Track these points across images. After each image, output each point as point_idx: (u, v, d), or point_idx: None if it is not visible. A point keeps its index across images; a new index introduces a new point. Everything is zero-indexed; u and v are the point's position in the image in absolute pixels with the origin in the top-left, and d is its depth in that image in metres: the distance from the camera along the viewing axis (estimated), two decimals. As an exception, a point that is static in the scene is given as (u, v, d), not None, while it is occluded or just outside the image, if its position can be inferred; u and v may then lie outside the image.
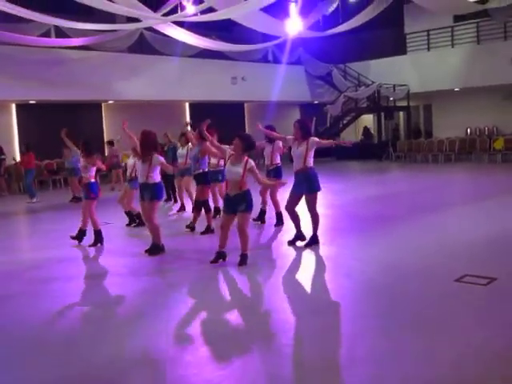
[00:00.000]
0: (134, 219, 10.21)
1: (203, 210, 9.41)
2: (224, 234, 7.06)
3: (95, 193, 8.65)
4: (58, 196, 16.25)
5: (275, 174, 9.63)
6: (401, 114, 26.81)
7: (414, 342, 4.47)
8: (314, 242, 7.95)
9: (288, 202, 7.96)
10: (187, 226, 9.62)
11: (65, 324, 5.40)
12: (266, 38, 20.49)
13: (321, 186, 7.92)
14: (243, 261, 7.00)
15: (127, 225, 10.38)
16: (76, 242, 8.82)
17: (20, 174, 16.74)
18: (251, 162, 6.87)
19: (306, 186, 7.76)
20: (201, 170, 9.34)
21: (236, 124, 22.43)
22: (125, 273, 7.21)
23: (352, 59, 25.38)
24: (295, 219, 8.01)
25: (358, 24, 18.91)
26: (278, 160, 9.70)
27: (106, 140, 18.81)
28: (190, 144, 10.85)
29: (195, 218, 9.54)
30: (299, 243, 8.02)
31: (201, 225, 9.47)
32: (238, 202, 6.84)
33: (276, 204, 9.70)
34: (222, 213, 7.39)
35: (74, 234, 8.88)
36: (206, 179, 9.39)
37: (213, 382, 3.94)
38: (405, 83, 23.85)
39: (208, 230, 9.23)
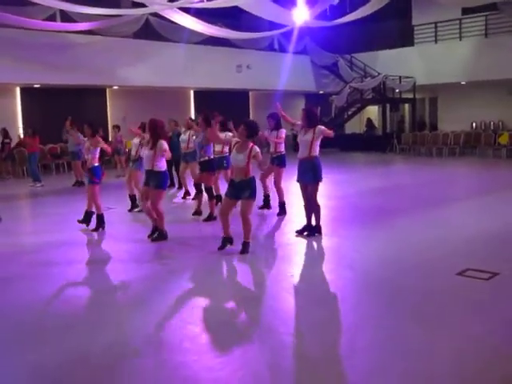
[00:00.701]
0: (137, 204, 10.20)
1: (207, 197, 9.39)
2: (225, 220, 7.04)
3: (98, 177, 8.64)
4: (61, 180, 16.25)
5: (279, 161, 9.59)
6: (406, 106, 26.70)
7: (414, 335, 4.46)
8: (316, 232, 7.94)
9: (303, 192, 7.92)
10: (194, 214, 9.60)
11: (64, 309, 5.39)
12: (273, 26, 20.36)
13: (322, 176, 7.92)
14: (245, 249, 6.99)
15: (129, 210, 10.37)
16: (83, 225, 8.81)
17: (24, 157, 16.75)
18: (256, 149, 6.86)
19: (311, 175, 7.73)
20: (206, 157, 9.30)
21: (240, 112, 22.33)
22: (126, 258, 7.21)
23: (359, 50, 25.23)
24: (309, 210, 7.98)
25: (365, 14, 18.77)
26: (282, 148, 9.65)
27: (112, 124, 18.75)
28: (191, 130, 10.83)
29: (199, 202, 9.53)
30: (306, 234, 7.99)
31: (204, 212, 9.50)
32: (243, 189, 6.83)
33: (280, 193, 9.66)
34: (223, 197, 7.35)
35: (81, 217, 8.87)
36: (211, 166, 9.35)
37: (213, 369, 3.94)
38: (411, 75, 23.72)
39: (211, 218, 9.22)
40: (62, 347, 4.39)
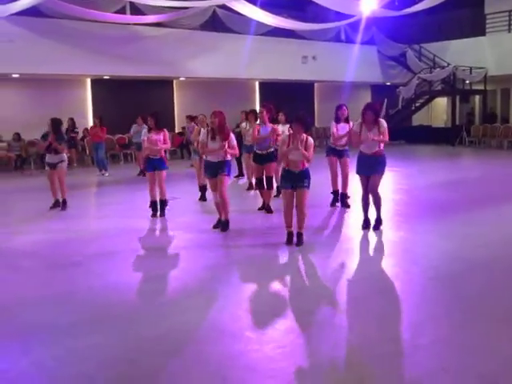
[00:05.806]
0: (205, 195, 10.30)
1: (265, 187, 9.36)
2: (289, 212, 7.01)
3: (166, 164, 8.98)
4: (128, 170, 16.61)
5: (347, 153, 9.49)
6: (476, 97, 25.86)
7: (479, 333, 4.34)
8: (380, 225, 7.85)
9: (364, 186, 7.83)
10: (260, 209, 9.51)
11: (128, 295, 5.51)
12: (339, 16, 20.14)
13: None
14: (300, 240, 7.00)
15: (199, 199, 10.50)
16: (148, 213, 9.07)
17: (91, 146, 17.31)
18: (310, 140, 6.90)
19: (379, 169, 7.64)
20: (272, 148, 9.28)
21: (305, 104, 22.20)
22: (190, 247, 7.32)
23: (427, 40, 24.57)
24: (368, 203, 7.90)
25: (435, 3, 18.28)
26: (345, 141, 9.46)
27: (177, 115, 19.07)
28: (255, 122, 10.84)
29: (263, 196, 9.49)
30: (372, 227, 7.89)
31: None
32: (300, 179, 6.83)
33: (345, 183, 9.54)
34: (282, 191, 7.30)
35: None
36: (273, 157, 9.30)
37: (274, 359, 3.95)
38: (482, 65, 22.96)
39: (269, 207, 9.22)
40: (126, 333, 4.50)
